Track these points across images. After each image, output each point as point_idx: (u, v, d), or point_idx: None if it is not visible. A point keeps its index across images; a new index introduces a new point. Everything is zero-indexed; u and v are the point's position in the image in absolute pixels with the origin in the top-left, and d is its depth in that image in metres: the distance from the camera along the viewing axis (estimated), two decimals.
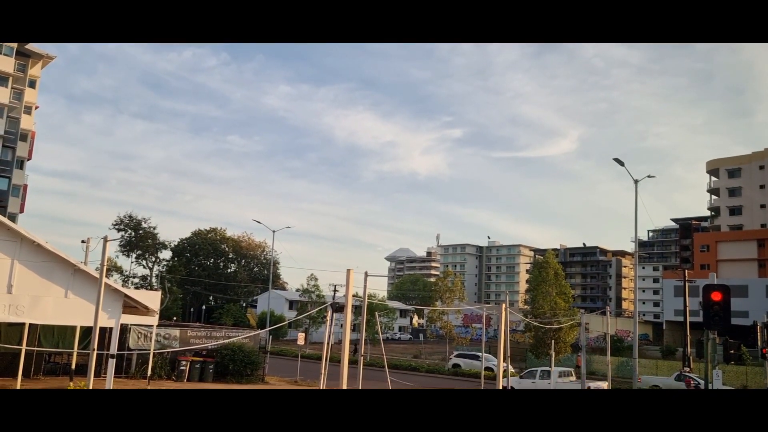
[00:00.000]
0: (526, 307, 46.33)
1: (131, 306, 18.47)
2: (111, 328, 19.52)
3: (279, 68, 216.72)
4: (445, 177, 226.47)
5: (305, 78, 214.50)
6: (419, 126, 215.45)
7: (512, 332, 71.13)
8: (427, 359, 52.49)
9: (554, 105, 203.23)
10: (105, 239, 11.63)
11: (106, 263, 12.69)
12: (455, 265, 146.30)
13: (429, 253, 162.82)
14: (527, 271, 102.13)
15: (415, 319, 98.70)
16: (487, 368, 39.57)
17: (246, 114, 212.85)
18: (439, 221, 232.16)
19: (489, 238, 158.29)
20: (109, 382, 17.78)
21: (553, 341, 33.40)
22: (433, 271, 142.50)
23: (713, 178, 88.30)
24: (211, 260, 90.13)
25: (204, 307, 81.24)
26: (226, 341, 28.79)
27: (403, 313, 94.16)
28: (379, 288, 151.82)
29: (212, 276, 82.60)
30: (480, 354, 37.38)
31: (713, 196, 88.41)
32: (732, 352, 13.38)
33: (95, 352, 11.51)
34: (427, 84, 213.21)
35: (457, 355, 44.81)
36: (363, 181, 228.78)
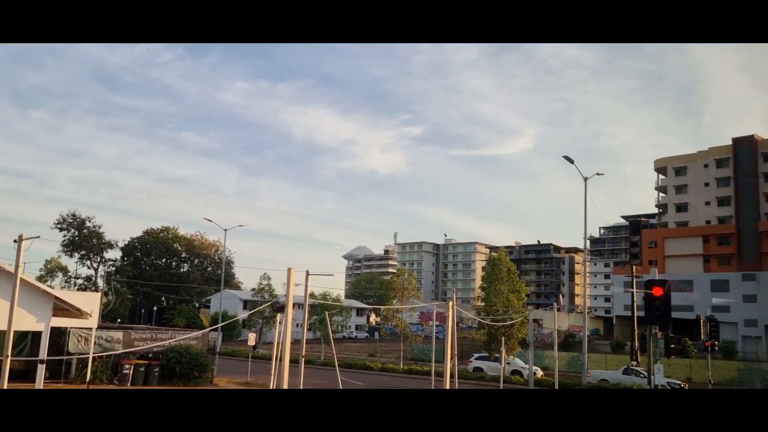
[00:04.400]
0: (481, 304, 46.58)
1: (64, 308, 17.57)
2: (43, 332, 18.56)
3: (235, 64, 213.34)
4: (404, 175, 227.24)
5: (262, 74, 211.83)
6: (378, 124, 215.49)
7: (467, 329, 71.89)
8: (382, 357, 52.30)
9: (512, 104, 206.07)
10: (20, 238, 10.88)
11: (21, 262, 11.84)
12: (412, 263, 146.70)
13: (386, 251, 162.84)
14: (483, 268, 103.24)
15: (373, 317, 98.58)
16: (516, 371, 38.64)
17: (202, 110, 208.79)
18: (398, 219, 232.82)
19: (446, 236, 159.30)
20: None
21: (503, 338, 33.55)
22: (390, 269, 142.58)
23: (661, 176, 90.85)
24: (163, 260, 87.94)
25: (155, 308, 79.17)
26: (172, 341, 27.93)
27: (360, 312, 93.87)
28: (337, 287, 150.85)
29: (164, 276, 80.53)
30: (506, 357, 36.09)
31: (661, 194, 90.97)
32: (673, 346, 13.52)
33: (9, 359, 10.75)
34: (387, 82, 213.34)
35: (478, 358, 41.42)
36: (322, 179, 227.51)
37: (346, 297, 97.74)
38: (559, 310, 39.53)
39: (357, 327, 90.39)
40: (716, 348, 36.08)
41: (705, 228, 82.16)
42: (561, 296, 45.98)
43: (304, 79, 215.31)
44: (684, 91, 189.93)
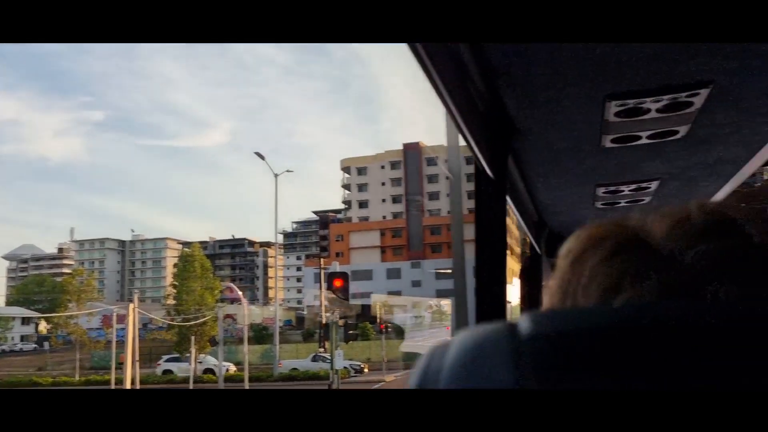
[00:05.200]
0: (172, 302, 44.44)
1: None
2: None
3: None
4: (83, 164, 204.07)
5: None
6: (51, 104, 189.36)
7: (158, 330, 67.95)
8: (54, 370, 46.07)
9: (206, 96, 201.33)
10: None
11: None
12: (93, 262, 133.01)
13: (60, 250, 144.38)
14: (175, 265, 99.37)
15: (42, 326, 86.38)
16: (208, 370, 37.49)
17: None
18: (76, 213, 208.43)
19: (133, 231, 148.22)
20: None
21: (194, 337, 32.51)
22: (65, 270, 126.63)
23: (346, 175, 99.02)
24: None
25: None
26: None
27: (27, 320, 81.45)
28: None
29: None
30: (198, 356, 34.84)
31: (346, 191, 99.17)
32: (351, 332, 14.59)
33: None
34: (61, 58, 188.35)
35: (168, 360, 40.28)
36: None
37: (9, 304, 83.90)
38: (251, 304, 39.94)
39: (23, 338, 78.28)
40: (389, 330, 40.71)
41: (382, 223, 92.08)
42: (233, 288, 46.58)
43: None
44: (365, 98, 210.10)
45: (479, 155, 1.52)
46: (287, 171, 32.69)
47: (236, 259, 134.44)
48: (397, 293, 79.07)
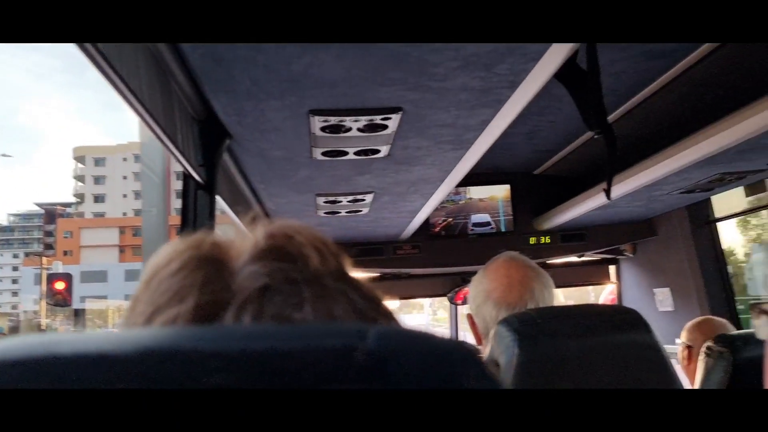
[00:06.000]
0: None
1: None
2: None
3: None
4: None
5: None
6: None
7: None
8: None
9: None
10: None
11: None
12: None
13: None
14: None
15: None
16: None
17: None
18: None
19: None
20: None
21: None
22: None
23: (80, 165, 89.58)
24: None
25: None
26: None
27: None
28: None
29: None
30: None
31: (79, 183, 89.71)
32: None
33: None
34: None
35: None
36: None
37: None
38: None
39: None
40: None
41: (122, 219, 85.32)
42: None
43: None
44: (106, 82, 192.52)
45: (181, 157, 1.46)
46: (4, 155, 28.23)
47: None
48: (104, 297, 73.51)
